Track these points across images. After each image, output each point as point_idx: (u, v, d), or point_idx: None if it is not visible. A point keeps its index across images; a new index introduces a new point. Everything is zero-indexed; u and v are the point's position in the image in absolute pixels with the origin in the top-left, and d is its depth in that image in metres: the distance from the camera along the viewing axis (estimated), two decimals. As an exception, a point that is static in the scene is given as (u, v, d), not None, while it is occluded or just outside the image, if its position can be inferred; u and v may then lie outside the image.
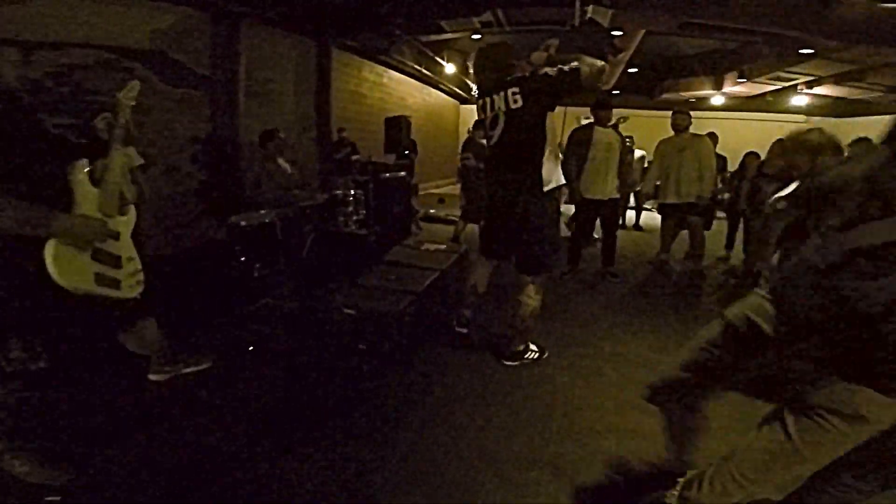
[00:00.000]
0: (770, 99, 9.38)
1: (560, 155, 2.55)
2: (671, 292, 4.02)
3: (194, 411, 1.90)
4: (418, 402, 2.09)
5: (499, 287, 2.97)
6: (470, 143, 5.20)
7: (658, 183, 4.48)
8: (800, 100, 8.76)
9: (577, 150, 3.93)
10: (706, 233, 4.54)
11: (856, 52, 5.62)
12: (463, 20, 5.96)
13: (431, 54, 8.67)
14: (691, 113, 4.36)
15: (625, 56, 7.37)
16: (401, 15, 5.72)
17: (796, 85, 8.00)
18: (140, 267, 1.67)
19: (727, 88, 9.18)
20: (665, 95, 10.53)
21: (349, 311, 2.39)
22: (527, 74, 2.20)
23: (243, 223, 3.27)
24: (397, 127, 5.71)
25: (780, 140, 4.16)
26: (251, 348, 2.38)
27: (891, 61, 5.67)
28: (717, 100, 9.96)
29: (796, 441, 1.03)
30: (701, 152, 4.21)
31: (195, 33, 4.33)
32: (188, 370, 2.10)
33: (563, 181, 2.42)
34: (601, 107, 3.98)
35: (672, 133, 4.33)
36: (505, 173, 2.30)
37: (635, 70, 9.41)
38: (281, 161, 3.91)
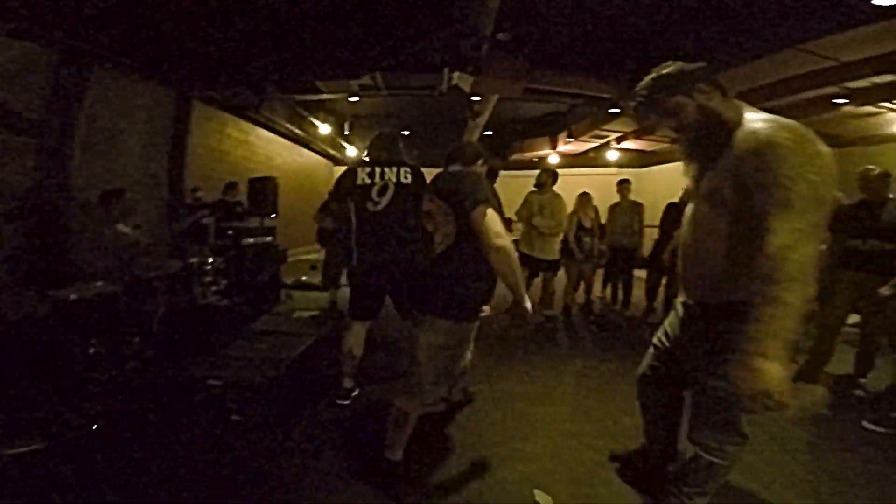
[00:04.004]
0: (592, 155, 11.98)
1: None
2: (530, 332, 4.85)
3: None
4: (310, 466, 2.24)
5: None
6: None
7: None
8: (612, 154, 11.38)
9: None
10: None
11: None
12: (341, 82, 6.64)
13: (305, 114, 9.19)
14: (528, 172, 5.44)
15: (482, 119, 8.82)
16: (275, 72, 6.14)
17: (609, 141, 10.33)
18: None
19: (560, 147, 11.53)
20: (514, 156, 12.77)
21: (214, 381, 2.48)
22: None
23: (73, 296, 3.16)
24: (263, 189, 5.87)
25: (585, 193, 5.53)
26: (94, 427, 2.30)
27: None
28: (553, 158, 12.36)
29: None
30: (556, 210, 5.16)
31: (32, 73, 4.18)
32: (12, 452, 2.00)
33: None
34: (491, 175, 4.93)
35: (535, 189, 5.28)
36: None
37: (490, 133, 11.30)
38: (120, 226, 3.86)
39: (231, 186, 6.35)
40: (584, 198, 5.50)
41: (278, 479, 2.15)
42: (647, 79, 1.55)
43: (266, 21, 4.95)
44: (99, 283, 3.34)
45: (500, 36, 5.43)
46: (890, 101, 5.66)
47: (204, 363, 2.78)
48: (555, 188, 5.38)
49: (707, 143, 1.46)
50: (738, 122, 1.40)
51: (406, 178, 2.78)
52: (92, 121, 4.73)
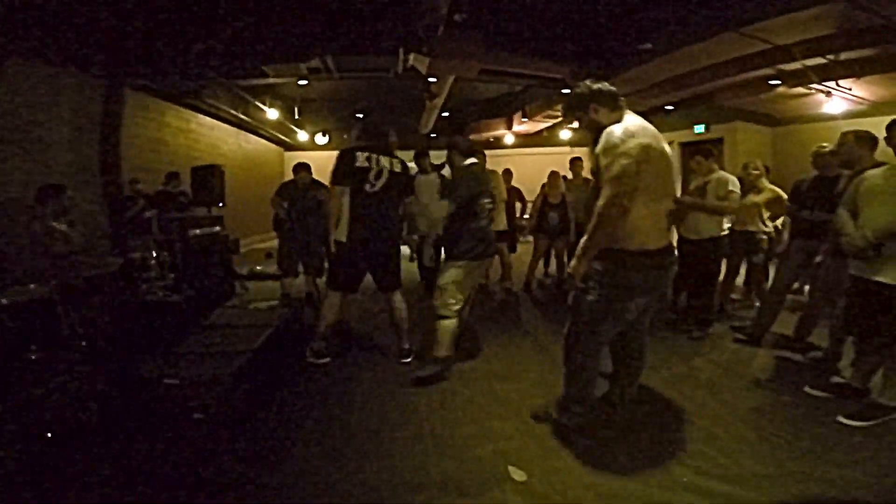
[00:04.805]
0: (546, 134, 12.29)
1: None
2: (493, 310, 4.97)
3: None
4: (281, 458, 2.18)
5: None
6: (289, 188, 5.18)
7: None
8: (565, 133, 11.73)
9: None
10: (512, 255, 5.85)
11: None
12: (289, 65, 6.35)
13: (251, 99, 8.78)
14: (486, 152, 5.58)
15: (439, 101, 8.77)
16: (216, 57, 5.80)
17: (562, 121, 10.63)
18: None
19: (515, 127, 11.73)
20: (472, 136, 12.94)
21: (170, 380, 2.36)
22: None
23: (5, 301, 2.93)
24: (208, 177, 5.56)
25: (555, 172, 5.88)
26: (48, 434, 2.14)
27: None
28: (509, 138, 12.65)
29: None
30: (495, 184, 5.36)
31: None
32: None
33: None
34: (421, 156, 5.24)
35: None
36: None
37: (447, 114, 11.28)
38: (55, 224, 3.58)
39: (172, 176, 6.01)
40: (554, 176, 5.81)
41: (248, 474, 2.07)
42: (568, 93, 2.30)
43: (204, 3, 4.67)
44: (32, 286, 3.11)
45: (457, 17, 5.37)
46: (819, 83, 6.07)
47: (157, 362, 2.64)
48: (512, 167, 6.06)
49: (595, 138, 2.17)
50: (611, 125, 2.09)
51: (397, 167, 3.24)
52: (7, 114, 4.39)
